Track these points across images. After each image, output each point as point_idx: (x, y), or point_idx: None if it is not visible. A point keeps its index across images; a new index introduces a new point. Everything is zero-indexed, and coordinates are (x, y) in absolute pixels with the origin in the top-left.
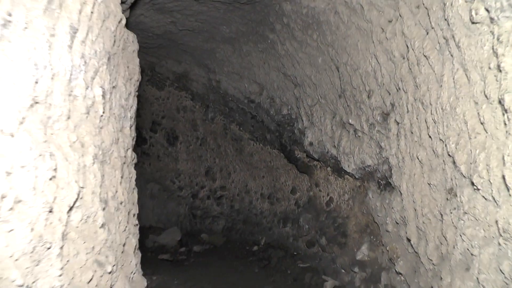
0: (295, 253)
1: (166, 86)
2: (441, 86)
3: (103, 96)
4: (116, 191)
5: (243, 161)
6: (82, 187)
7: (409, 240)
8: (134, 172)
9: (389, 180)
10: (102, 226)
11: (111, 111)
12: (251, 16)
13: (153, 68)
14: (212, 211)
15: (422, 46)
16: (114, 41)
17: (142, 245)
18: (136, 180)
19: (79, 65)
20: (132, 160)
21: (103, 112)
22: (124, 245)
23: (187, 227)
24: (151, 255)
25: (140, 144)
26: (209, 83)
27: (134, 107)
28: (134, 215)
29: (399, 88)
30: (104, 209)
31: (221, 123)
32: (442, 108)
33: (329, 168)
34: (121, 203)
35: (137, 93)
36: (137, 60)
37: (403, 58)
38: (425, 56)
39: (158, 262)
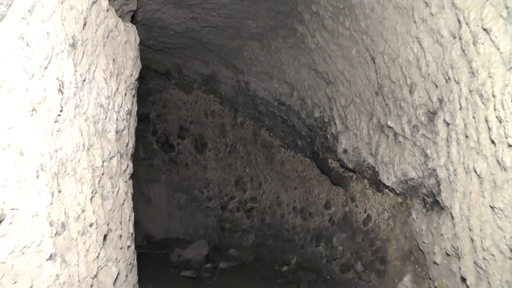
0: (328, 277)
1: (194, 89)
2: (510, 68)
3: (61, 91)
4: (83, 211)
5: (274, 170)
6: (14, 208)
7: (463, 279)
8: (126, 185)
9: (437, 198)
10: (51, 257)
11: (79, 110)
12: (278, 7)
13: (180, 70)
14: (241, 225)
15: (480, 17)
16: (85, 24)
17: (166, 260)
18: (163, 189)
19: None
20: (124, 171)
21: (61, 111)
22: (95, 277)
23: (215, 240)
24: (173, 271)
25: (168, 151)
26: (237, 85)
27: (128, 108)
28: (120, 236)
29: (449, 78)
30: (56, 234)
31: (251, 128)
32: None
33: (366, 180)
34: (90, 225)
35: (134, 92)
36: (133, 53)
37: (454, 37)
38: (484, 29)
39: (180, 280)
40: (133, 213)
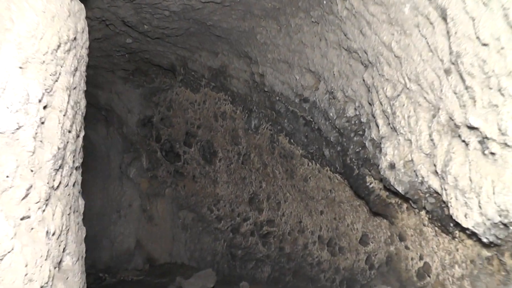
0: None
1: (202, 86)
2: None
3: None
4: None
5: (295, 187)
6: None
7: None
8: None
9: None
10: None
11: None
12: None
13: (185, 64)
14: (256, 253)
15: None
16: None
17: None
18: (168, 205)
19: None
20: None
21: None
22: None
23: (224, 270)
24: None
25: (173, 161)
26: (251, 79)
27: None
28: None
29: None
30: None
31: (267, 133)
32: None
33: (424, 213)
34: None
35: None
36: None
37: None
38: None
39: None
40: None
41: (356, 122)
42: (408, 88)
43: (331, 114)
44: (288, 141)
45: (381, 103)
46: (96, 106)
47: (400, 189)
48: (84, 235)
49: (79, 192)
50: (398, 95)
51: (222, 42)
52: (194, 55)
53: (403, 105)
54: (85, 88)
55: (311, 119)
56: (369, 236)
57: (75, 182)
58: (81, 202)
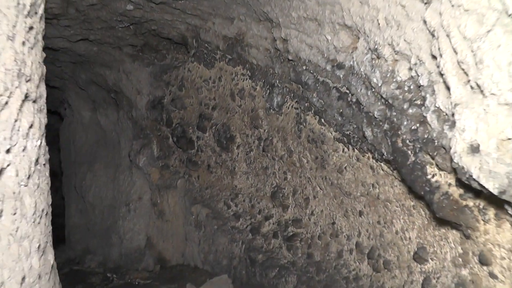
0: None
1: (216, 60)
2: None
3: None
4: None
5: (327, 180)
6: None
7: None
8: None
9: None
10: None
11: None
12: None
13: (197, 35)
14: (279, 258)
15: None
16: None
17: None
18: (180, 199)
19: None
20: None
21: None
22: None
23: (242, 277)
24: None
25: (185, 149)
26: (273, 47)
27: None
28: None
29: None
30: None
31: (293, 112)
32: None
33: None
34: None
35: None
36: None
37: None
38: None
39: None
40: None
41: (411, 87)
42: (508, 15)
43: (374, 80)
44: (318, 121)
45: (455, 51)
46: (105, 88)
47: (490, 185)
48: None
49: None
50: (489, 31)
51: (237, 5)
52: (206, 23)
53: (498, 45)
54: None
55: (347, 90)
56: (427, 250)
57: None
58: None
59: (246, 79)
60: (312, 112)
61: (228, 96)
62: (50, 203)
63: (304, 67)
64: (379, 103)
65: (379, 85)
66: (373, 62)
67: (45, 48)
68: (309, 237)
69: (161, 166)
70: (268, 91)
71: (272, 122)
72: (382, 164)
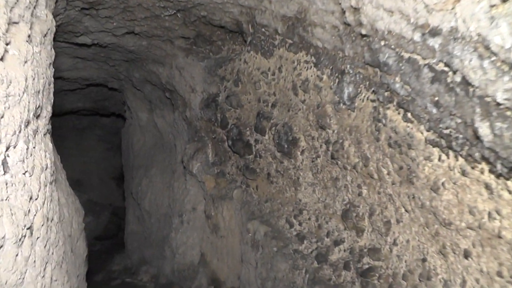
0: None
1: (275, 47)
2: None
3: None
4: None
5: (416, 199)
6: None
7: None
8: None
9: None
10: None
11: None
12: None
13: (252, 18)
14: None
15: None
16: None
17: None
18: (236, 212)
19: None
20: None
21: None
22: None
23: None
24: None
25: (242, 154)
26: (341, 22)
27: None
28: None
29: None
30: None
31: (368, 106)
32: None
33: None
34: None
35: None
36: None
37: None
38: None
39: None
40: None
41: None
42: None
43: (497, 41)
44: (402, 117)
45: None
46: (160, 87)
47: None
48: None
49: None
50: None
51: None
52: (262, 3)
53: None
54: None
55: (446, 67)
56: None
57: None
58: None
59: (310, 67)
60: (394, 104)
61: (290, 89)
62: None
63: (382, 43)
64: (505, 79)
65: (507, 47)
66: (493, 11)
67: (92, 45)
68: (390, 274)
69: (217, 173)
70: (337, 80)
71: (343, 120)
72: (508, 182)
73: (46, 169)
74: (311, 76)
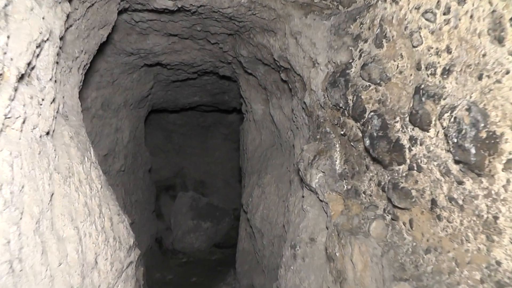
0: None
1: None
2: None
3: None
4: None
5: None
6: None
7: None
8: None
9: None
10: None
11: None
12: None
13: None
14: None
15: None
16: None
17: None
18: (374, 265)
19: None
20: None
21: None
22: None
23: None
24: None
25: (387, 162)
26: None
27: None
28: None
29: None
30: None
31: None
32: None
33: None
34: None
35: None
36: None
37: None
38: None
39: None
40: None
41: None
42: None
43: None
44: None
45: None
46: (274, 67)
47: None
48: None
49: None
50: None
51: None
52: None
53: None
54: None
55: None
56: None
57: None
58: None
59: None
60: None
61: (483, 35)
62: None
63: None
64: None
65: None
66: None
67: (177, 11)
68: None
69: (346, 191)
70: None
71: None
72: None
73: None
74: None
